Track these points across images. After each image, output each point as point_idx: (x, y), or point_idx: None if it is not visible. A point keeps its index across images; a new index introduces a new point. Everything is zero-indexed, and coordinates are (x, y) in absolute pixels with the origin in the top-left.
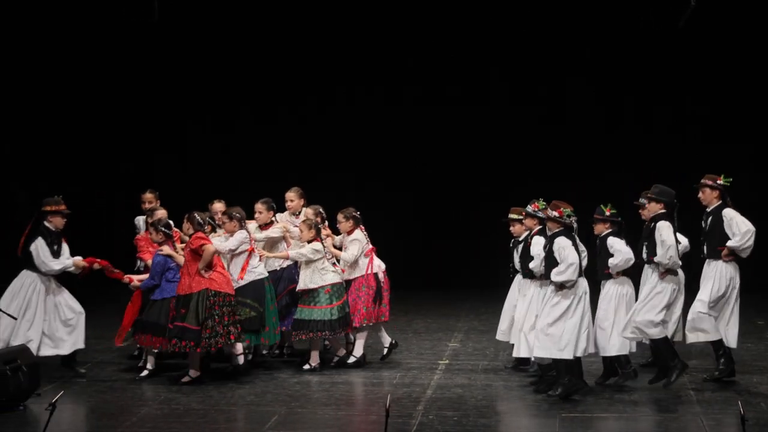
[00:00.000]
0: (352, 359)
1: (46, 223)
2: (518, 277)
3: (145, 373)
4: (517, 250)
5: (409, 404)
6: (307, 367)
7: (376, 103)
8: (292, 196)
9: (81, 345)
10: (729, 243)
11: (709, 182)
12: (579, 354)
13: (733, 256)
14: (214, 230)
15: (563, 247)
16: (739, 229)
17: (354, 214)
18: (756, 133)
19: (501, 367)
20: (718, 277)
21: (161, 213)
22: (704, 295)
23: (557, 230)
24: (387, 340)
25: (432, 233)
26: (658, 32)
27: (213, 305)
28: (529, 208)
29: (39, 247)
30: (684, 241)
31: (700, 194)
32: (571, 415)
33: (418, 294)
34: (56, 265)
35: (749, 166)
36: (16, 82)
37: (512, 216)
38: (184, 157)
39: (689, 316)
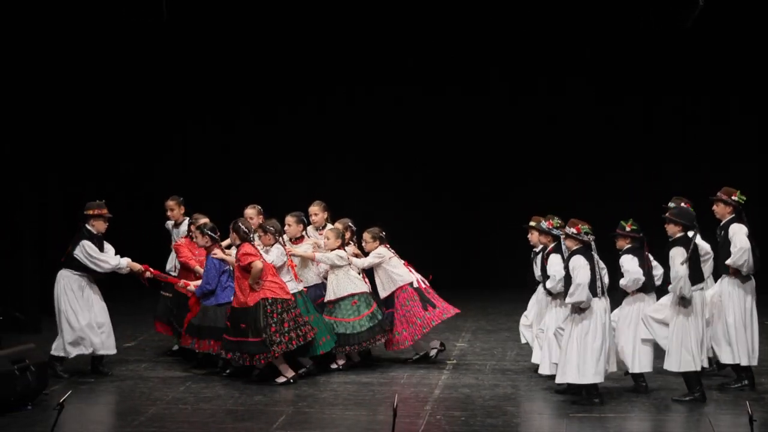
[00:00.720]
0: (433, 351)
1: (88, 227)
2: (540, 289)
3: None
4: (536, 262)
5: (417, 404)
6: (334, 366)
7: (376, 103)
8: (316, 210)
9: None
10: (727, 261)
11: (724, 197)
12: (606, 373)
13: (737, 272)
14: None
15: (575, 267)
16: (734, 246)
17: (380, 234)
18: (756, 131)
19: (509, 366)
20: (735, 296)
21: (205, 218)
22: (730, 317)
23: (575, 248)
24: (432, 347)
25: (433, 232)
26: (658, 32)
27: (271, 313)
28: (544, 225)
29: (87, 248)
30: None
31: (715, 207)
32: (579, 415)
33: None
34: (111, 260)
35: (748, 167)
36: (16, 82)
37: (532, 224)
38: (185, 158)
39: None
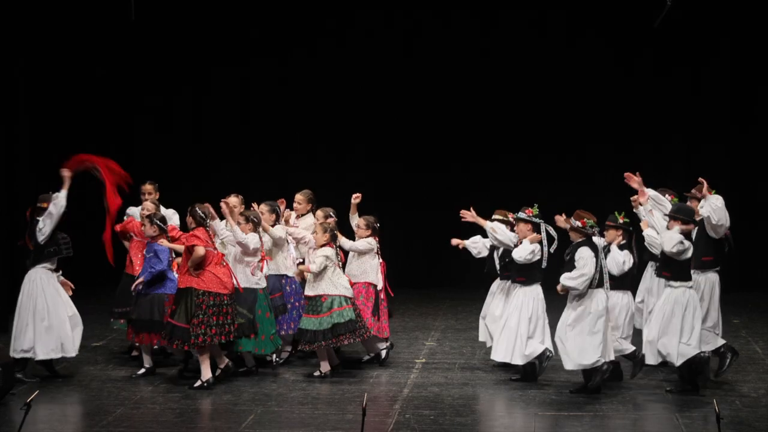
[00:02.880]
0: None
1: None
2: (497, 281)
3: (141, 371)
4: (497, 252)
5: (386, 403)
6: (317, 374)
7: (374, 101)
8: (300, 199)
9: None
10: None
11: (698, 195)
12: (605, 359)
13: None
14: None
15: (583, 257)
16: (715, 207)
17: (375, 224)
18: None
19: (478, 365)
20: (707, 291)
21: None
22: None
23: (581, 240)
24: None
25: (431, 231)
26: (658, 31)
27: (201, 303)
28: (522, 214)
29: (39, 221)
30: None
31: (689, 204)
32: (547, 413)
33: (396, 292)
34: (62, 198)
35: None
36: (16, 82)
37: (496, 217)
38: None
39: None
